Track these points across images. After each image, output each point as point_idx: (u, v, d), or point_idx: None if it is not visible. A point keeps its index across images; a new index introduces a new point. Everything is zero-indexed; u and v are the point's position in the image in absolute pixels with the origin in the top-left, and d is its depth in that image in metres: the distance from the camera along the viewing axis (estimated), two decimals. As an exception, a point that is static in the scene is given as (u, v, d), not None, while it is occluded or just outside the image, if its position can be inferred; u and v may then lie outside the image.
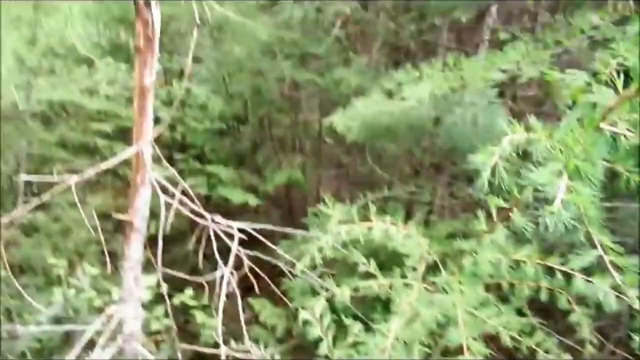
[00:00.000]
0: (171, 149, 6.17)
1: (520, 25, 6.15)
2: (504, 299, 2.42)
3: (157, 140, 5.82)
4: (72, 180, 2.26)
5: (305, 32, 5.72)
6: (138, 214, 2.57)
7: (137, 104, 2.58)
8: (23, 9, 4.42)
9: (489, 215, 2.26)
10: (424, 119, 4.41)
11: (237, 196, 5.22)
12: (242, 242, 2.62)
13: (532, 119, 2.03)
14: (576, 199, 1.68)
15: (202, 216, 2.56)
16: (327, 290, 2.46)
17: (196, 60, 6.89)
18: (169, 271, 2.50)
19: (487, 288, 2.35)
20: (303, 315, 2.65)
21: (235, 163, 6.04)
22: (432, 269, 2.63)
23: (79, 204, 3.10)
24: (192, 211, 2.55)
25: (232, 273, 2.37)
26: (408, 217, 3.20)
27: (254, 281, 2.49)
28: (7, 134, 4.44)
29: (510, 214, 2.04)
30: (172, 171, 2.56)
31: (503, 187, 1.88)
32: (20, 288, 2.78)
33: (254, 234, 2.70)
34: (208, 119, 5.79)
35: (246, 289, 2.78)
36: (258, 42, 5.50)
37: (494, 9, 5.99)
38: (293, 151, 6.52)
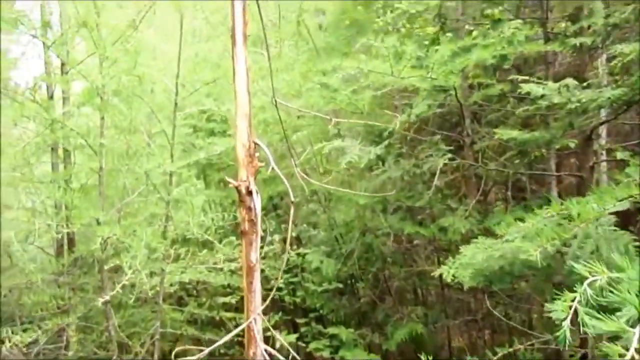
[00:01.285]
0: (294, 313, 6.37)
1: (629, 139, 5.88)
2: None
3: (280, 306, 6.07)
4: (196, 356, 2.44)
5: (407, 186, 5.94)
6: (253, 389, 2.66)
7: (246, 281, 2.81)
8: (158, 206, 5.12)
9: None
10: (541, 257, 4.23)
11: (358, 356, 5.16)
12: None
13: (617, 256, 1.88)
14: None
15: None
16: None
17: (313, 225, 7.34)
18: None
19: None
20: None
21: (355, 321, 6.03)
22: None
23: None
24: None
25: None
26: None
27: None
28: (143, 317, 4.89)
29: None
30: (281, 340, 2.66)
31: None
32: None
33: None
34: (325, 281, 5.98)
35: None
36: (362, 205, 5.81)
37: (602, 129, 5.79)
38: (414, 303, 6.40)
